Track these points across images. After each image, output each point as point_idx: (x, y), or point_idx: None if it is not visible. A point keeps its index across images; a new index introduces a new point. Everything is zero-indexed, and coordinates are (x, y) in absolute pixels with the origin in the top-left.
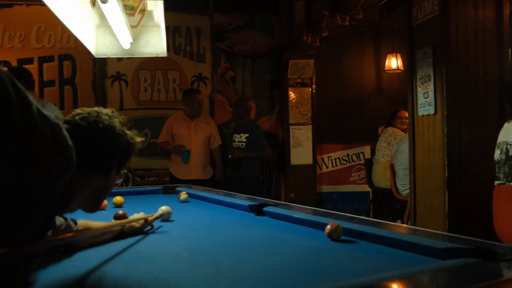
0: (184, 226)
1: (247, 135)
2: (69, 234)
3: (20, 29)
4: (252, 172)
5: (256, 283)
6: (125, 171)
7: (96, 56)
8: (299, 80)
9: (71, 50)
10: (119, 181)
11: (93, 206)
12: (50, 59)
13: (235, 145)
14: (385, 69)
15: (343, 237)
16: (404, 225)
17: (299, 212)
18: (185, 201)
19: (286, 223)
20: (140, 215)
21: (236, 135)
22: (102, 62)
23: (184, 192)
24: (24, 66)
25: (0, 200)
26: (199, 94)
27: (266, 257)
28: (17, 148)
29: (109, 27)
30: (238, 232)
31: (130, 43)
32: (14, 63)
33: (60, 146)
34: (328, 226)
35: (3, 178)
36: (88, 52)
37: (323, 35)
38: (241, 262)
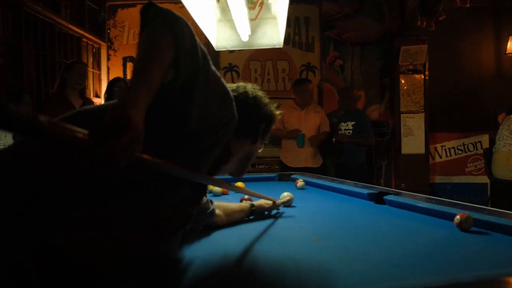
0: (307, 212)
1: (353, 122)
2: (223, 182)
3: None
4: (358, 160)
5: (391, 268)
6: (266, 141)
7: (216, 49)
8: (411, 67)
9: None
10: (261, 149)
11: (240, 171)
12: None
13: (342, 133)
14: (507, 52)
15: (473, 228)
16: None
17: (423, 201)
18: (301, 188)
19: (408, 212)
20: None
21: (343, 124)
22: (215, 54)
23: (301, 180)
24: None
25: (183, 142)
26: (309, 84)
27: (395, 244)
28: (200, 91)
29: (229, 21)
30: (362, 219)
31: (249, 35)
32: None
33: (228, 98)
34: (458, 217)
35: (190, 121)
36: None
37: (440, 19)
38: (371, 248)
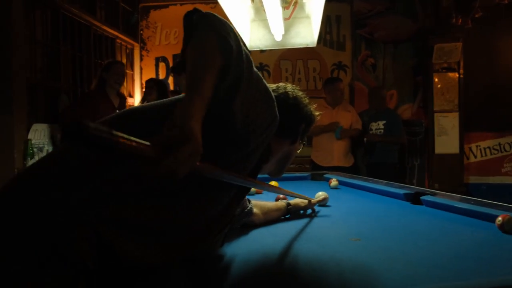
0: (342, 212)
1: (384, 121)
2: (264, 184)
3: (175, 27)
4: (390, 160)
5: (433, 269)
6: (305, 142)
7: (250, 49)
8: (445, 65)
9: None
10: (299, 150)
11: (279, 171)
12: None
13: (372, 133)
14: None
15: None
16: None
17: (462, 202)
18: (335, 188)
19: (446, 212)
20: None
21: (373, 123)
22: None
23: (335, 179)
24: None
25: (230, 146)
26: (340, 83)
27: (436, 245)
28: (243, 94)
29: (263, 20)
30: (399, 219)
31: (282, 35)
32: (169, 59)
33: (270, 101)
34: (500, 218)
35: (234, 124)
36: None
37: (476, 16)
38: (411, 249)
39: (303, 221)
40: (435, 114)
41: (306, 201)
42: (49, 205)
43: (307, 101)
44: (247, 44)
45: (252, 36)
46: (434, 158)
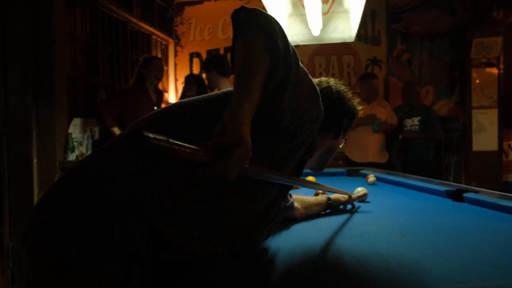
0: (383, 208)
1: (419, 118)
2: (303, 180)
3: (209, 23)
4: (426, 157)
5: (484, 266)
6: (347, 137)
7: None
8: (484, 60)
9: None
10: (342, 145)
11: (321, 165)
12: None
13: (407, 129)
14: None
15: None
16: None
17: (507, 200)
18: (372, 184)
19: (491, 211)
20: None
21: (408, 120)
22: None
23: (372, 175)
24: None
25: (276, 141)
26: (376, 79)
27: (484, 243)
28: (291, 89)
29: (300, 15)
30: (442, 216)
31: (320, 29)
32: (203, 54)
33: (315, 96)
34: None
35: (283, 119)
36: None
37: None
38: (459, 246)
39: (344, 216)
40: (473, 111)
41: (346, 196)
42: (106, 197)
43: (350, 95)
44: None
45: (289, 31)
46: (471, 156)
